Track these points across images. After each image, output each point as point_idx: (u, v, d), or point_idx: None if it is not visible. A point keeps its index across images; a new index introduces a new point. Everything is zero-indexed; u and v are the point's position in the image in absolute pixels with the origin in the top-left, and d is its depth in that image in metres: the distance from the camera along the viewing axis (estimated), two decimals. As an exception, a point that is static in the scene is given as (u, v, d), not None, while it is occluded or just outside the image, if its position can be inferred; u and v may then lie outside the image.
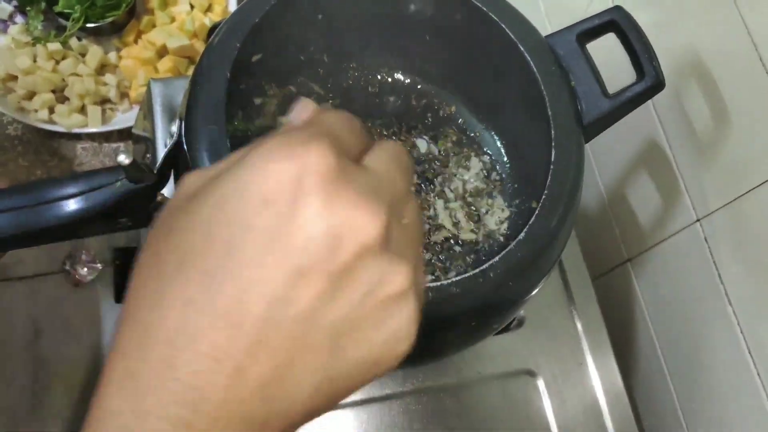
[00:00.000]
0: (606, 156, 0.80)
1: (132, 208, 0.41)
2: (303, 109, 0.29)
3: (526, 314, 0.71)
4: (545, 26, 0.87)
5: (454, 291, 0.44)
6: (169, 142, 0.46)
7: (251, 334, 0.23)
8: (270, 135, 0.26)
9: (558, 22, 0.85)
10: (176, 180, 0.47)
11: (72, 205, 0.39)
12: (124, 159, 0.38)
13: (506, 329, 0.70)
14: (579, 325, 0.71)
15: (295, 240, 0.23)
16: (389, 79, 0.67)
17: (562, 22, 0.82)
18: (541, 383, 0.69)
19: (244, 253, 0.23)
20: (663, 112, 0.66)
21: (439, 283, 0.44)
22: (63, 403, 0.93)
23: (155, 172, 0.43)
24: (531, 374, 0.69)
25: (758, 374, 0.59)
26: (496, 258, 0.45)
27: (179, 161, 0.45)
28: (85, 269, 0.92)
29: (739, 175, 0.58)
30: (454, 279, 0.44)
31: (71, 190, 0.40)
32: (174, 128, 0.46)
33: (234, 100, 0.60)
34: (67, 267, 0.92)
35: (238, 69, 0.51)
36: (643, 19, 0.66)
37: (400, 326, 0.25)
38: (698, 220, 0.64)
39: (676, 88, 0.63)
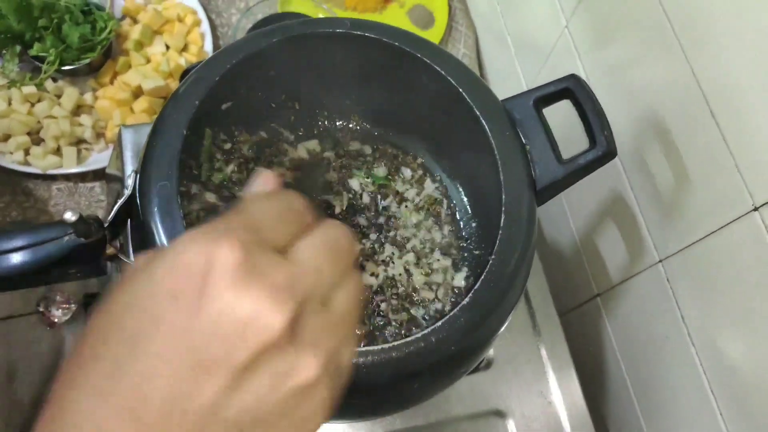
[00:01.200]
0: (577, 199, 0.81)
1: (82, 260, 0.42)
2: (261, 184, 0.31)
3: (494, 354, 0.71)
4: (517, 71, 0.89)
5: (393, 355, 0.44)
6: (125, 195, 0.46)
7: (151, 425, 0.23)
8: (194, 228, 0.26)
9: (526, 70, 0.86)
10: (132, 231, 0.47)
11: (18, 258, 0.40)
12: (70, 216, 0.38)
13: (475, 370, 0.70)
14: (547, 363, 0.71)
15: (197, 335, 0.24)
16: (358, 128, 0.68)
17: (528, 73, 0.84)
18: (510, 424, 0.68)
19: (149, 345, 0.24)
20: (626, 161, 0.68)
21: (380, 347, 0.44)
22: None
23: (106, 225, 0.43)
24: (500, 415, 0.69)
25: (720, 412, 0.59)
26: (439, 323, 0.45)
27: (133, 214, 0.46)
28: (60, 310, 0.92)
29: (696, 220, 0.58)
30: (394, 343, 0.44)
31: (18, 242, 0.40)
32: (129, 181, 0.47)
33: (201, 147, 0.61)
34: (41, 308, 0.92)
35: (206, 117, 0.52)
36: (602, 62, 0.68)
37: (307, 415, 0.25)
38: (660, 261, 0.65)
39: (636, 139, 0.64)
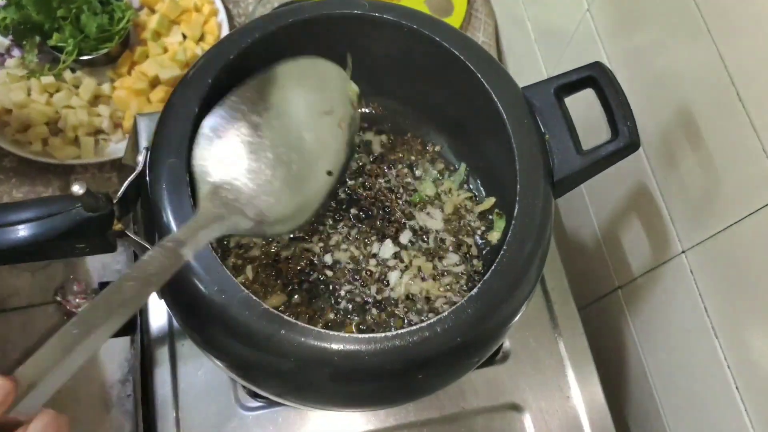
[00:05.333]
0: (598, 189, 0.79)
1: (89, 234, 0.41)
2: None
3: (511, 346, 0.69)
4: (537, 58, 0.87)
5: (397, 344, 0.43)
6: (135, 171, 0.46)
7: None
8: None
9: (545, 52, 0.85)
10: (142, 208, 0.47)
11: (25, 231, 0.40)
12: (78, 189, 0.38)
13: (491, 362, 0.68)
14: (566, 357, 0.69)
15: None
16: (376, 114, 0.67)
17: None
18: (527, 418, 0.67)
19: None
20: (649, 149, 0.66)
21: (383, 335, 0.43)
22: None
23: (115, 200, 0.42)
24: (517, 409, 0.67)
25: (745, 409, 0.57)
26: (445, 313, 0.44)
27: (142, 190, 0.45)
28: (77, 299, 0.92)
29: (722, 208, 0.56)
30: (398, 331, 0.43)
31: (25, 215, 0.40)
32: (140, 158, 0.46)
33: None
34: (59, 298, 0.92)
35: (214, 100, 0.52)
36: (625, 47, 0.66)
37: None
38: (683, 252, 0.63)
39: (660, 126, 0.63)
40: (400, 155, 0.66)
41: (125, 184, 0.44)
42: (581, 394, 0.68)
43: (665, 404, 0.71)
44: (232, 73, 0.51)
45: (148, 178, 0.44)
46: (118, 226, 0.43)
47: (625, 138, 0.49)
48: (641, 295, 0.72)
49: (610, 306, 0.79)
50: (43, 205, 0.40)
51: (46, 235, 0.39)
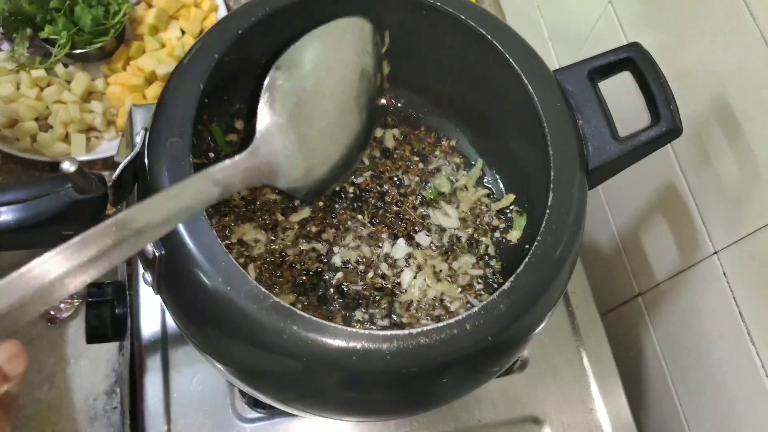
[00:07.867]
0: (616, 188, 0.75)
1: (79, 220, 0.37)
2: None
3: (530, 355, 0.65)
4: (551, 58, 0.84)
5: (422, 342, 0.39)
6: (133, 152, 0.41)
7: None
8: None
9: (562, 50, 0.81)
10: (138, 193, 0.42)
11: (7, 214, 0.35)
12: (68, 166, 0.34)
13: (508, 372, 0.64)
14: (588, 367, 0.65)
15: None
16: (389, 106, 0.63)
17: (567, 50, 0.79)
18: (547, 432, 0.62)
19: None
20: (679, 145, 0.62)
21: (407, 332, 0.39)
22: (33, 449, 0.87)
23: (110, 184, 0.38)
24: (536, 422, 0.63)
25: (789, 423, 0.53)
26: (475, 309, 0.40)
27: (140, 175, 0.41)
28: (62, 304, 0.86)
29: (760, 205, 0.53)
30: (423, 328, 0.39)
31: (7, 197, 0.35)
32: (138, 138, 0.42)
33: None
34: (43, 303, 0.87)
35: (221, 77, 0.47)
36: (654, 40, 0.63)
37: None
38: (716, 253, 0.59)
39: (693, 122, 0.59)
40: (413, 150, 0.62)
41: (121, 165, 0.40)
42: (605, 406, 0.63)
43: (690, 416, 0.67)
44: (239, 50, 0.47)
45: (146, 160, 0.40)
46: (111, 211, 0.38)
47: (667, 123, 0.45)
48: (665, 302, 0.68)
49: (629, 314, 0.75)
50: (28, 186, 0.36)
51: (32, 219, 0.35)
